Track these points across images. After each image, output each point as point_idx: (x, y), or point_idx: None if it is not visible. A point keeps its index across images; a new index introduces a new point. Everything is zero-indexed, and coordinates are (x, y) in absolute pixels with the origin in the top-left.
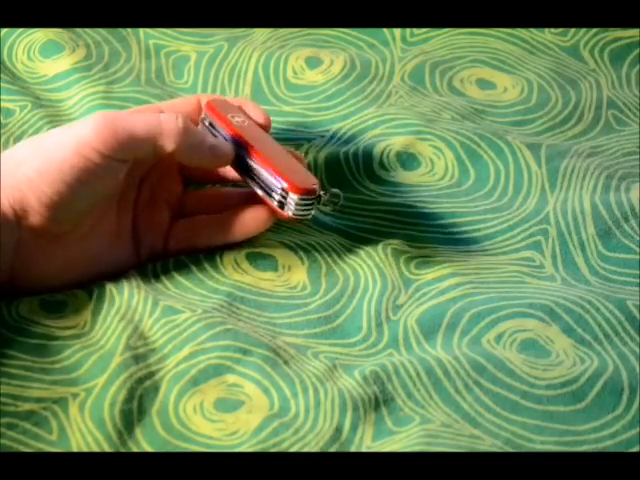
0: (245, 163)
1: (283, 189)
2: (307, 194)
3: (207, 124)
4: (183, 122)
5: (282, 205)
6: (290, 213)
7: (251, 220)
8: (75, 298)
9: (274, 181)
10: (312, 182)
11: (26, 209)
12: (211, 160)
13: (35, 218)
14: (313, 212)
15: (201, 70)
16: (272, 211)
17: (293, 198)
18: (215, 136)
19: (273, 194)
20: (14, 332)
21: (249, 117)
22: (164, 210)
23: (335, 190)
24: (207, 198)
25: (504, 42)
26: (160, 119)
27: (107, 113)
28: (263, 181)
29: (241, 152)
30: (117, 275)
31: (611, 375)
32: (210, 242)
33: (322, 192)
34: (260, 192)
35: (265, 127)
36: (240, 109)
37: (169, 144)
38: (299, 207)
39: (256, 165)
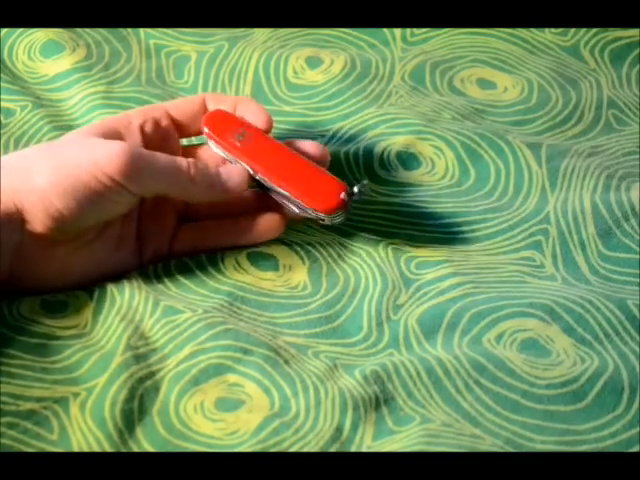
0: (264, 185)
1: (315, 210)
2: (338, 208)
3: (212, 145)
4: (195, 171)
5: (321, 219)
6: (330, 223)
7: (264, 228)
8: (76, 299)
9: (304, 204)
10: (339, 193)
11: (32, 216)
12: (224, 196)
13: (39, 226)
14: (349, 210)
15: (201, 70)
16: (285, 218)
17: (327, 216)
18: (222, 155)
19: (307, 211)
20: (15, 331)
21: (250, 126)
22: (170, 214)
23: (363, 182)
24: (214, 201)
25: (504, 42)
26: (177, 166)
27: (132, 146)
28: (292, 201)
29: (256, 176)
30: (119, 276)
31: (611, 375)
32: (218, 246)
33: (351, 191)
34: (294, 209)
35: (267, 130)
36: (239, 119)
37: (180, 192)
38: (336, 216)
39: (278, 188)
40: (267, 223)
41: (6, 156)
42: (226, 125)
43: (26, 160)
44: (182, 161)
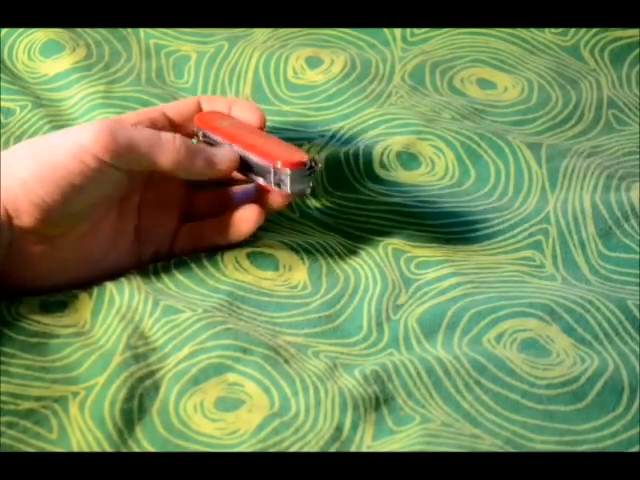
0: (241, 159)
1: (275, 168)
2: (298, 167)
3: (201, 135)
4: (181, 142)
5: (279, 185)
6: (287, 189)
7: (241, 221)
8: (75, 298)
9: (266, 163)
10: (301, 155)
11: (19, 210)
12: (212, 172)
13: (27, 219)
14: (311, 185)
15: (201, 70)
16: (262, 209)
17: (286, 174)
18: (211, 145)
19: (268, 176)
20: (14, 331)
21: (238, 121)
22: (171, 213)
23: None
24: (216, 198)
25: (504, 42)
26: (160, 137)
27: (109, 121)
28: (258, 168)
29: (233, 147)
30: (117, 275)
31: (611, 375)
32: (213, 245)
33: (314, 164)
34: (259, 179)
35: (260, 127)
36: (228, 116)
37: (166, 162)
38: (294, 182)
39: (247, 153)
40: (244, 216)
41: None
42: (216, 119)
43: (10, 155)
44: (167, 133)
